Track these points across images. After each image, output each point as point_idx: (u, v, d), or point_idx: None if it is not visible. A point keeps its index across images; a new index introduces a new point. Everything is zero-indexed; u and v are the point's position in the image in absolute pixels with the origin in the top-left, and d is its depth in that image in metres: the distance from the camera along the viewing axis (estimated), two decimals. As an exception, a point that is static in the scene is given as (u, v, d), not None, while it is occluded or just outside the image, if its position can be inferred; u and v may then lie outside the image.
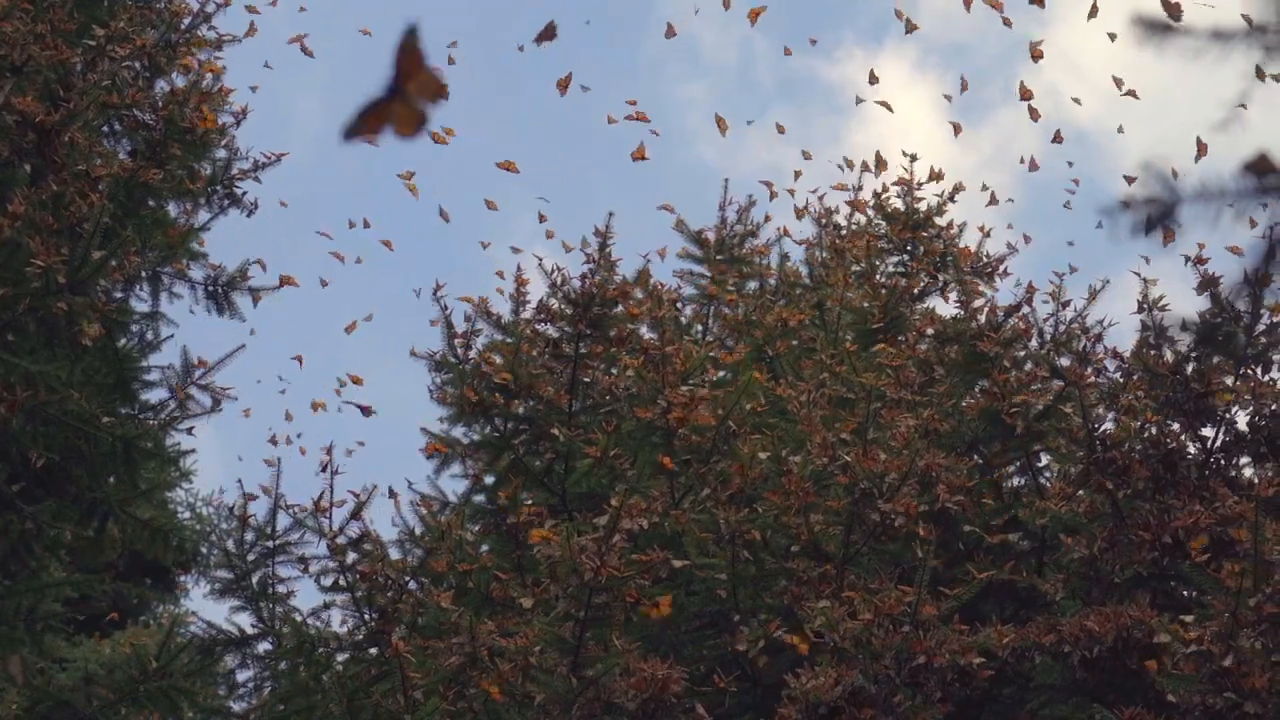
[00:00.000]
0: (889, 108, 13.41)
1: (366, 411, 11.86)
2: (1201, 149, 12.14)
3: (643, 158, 12.70)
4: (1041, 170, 13.83)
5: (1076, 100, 13.10)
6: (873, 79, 13.23)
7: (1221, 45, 3.28)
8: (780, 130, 13.45)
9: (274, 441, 11.67)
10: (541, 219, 13.20)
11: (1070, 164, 12.91)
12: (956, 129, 13.57)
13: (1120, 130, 12.96)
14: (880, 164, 14.31)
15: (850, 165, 14.37)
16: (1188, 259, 10.00)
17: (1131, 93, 12.35)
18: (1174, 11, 11.41)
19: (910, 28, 12.69)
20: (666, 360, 10.54)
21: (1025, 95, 13.15)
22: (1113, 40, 12.09)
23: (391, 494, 10.95)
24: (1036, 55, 12.25)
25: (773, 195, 14.33)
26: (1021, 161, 18.62)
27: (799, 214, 14.51)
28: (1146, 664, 8.53)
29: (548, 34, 6.20)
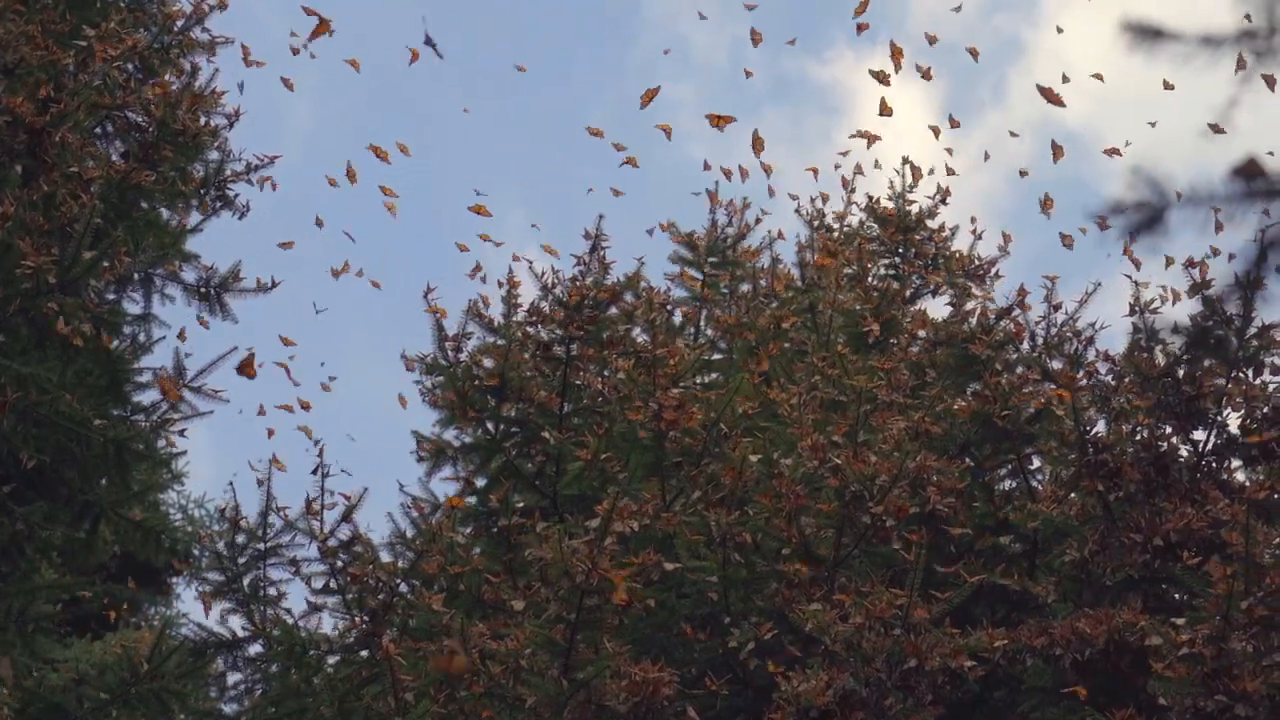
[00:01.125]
0: (866, 135, 13.35)
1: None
2: (1057, 152, 12.21)
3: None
4: (1035, 173, 13.82)
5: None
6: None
7: (1211, 50, 3.28)
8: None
9: (262, 412, 11.60)
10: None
11: (1023, 171, 12.79)
12: (934, 127, 13.51)
13: (1122, 147, 12.90)
14: (851, 191, 14.30)
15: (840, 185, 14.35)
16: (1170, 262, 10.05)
17: (1115, 151, 12.38)
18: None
19: (881, 80, 12.59)
20: (658, 363, 10.53)
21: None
22: (1100, 81, 12.11)
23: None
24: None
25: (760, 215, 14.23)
26: (988, 158, 18.62)
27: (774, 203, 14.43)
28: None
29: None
